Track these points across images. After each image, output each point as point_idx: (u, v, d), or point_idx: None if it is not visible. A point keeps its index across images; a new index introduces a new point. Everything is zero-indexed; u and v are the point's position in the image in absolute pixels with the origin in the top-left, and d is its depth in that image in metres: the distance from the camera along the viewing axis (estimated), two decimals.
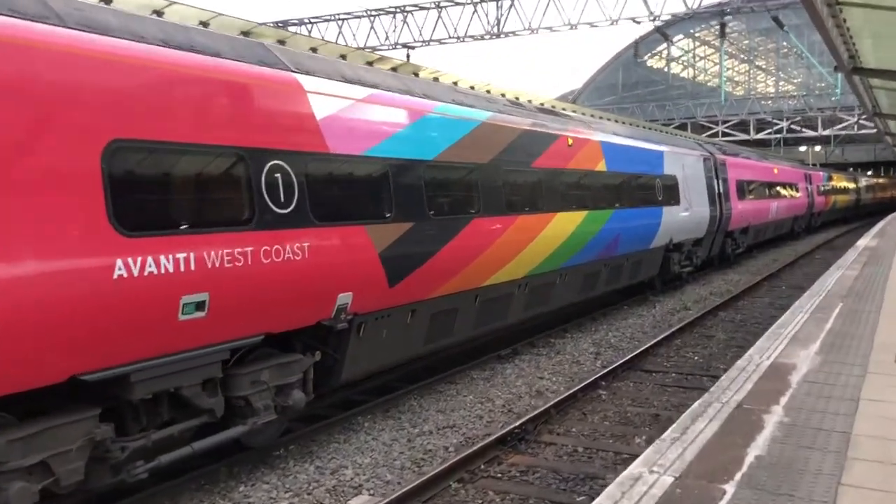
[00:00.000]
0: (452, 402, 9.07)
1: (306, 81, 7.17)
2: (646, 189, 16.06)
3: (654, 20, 22.64)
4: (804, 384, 5.33)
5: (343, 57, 14.09)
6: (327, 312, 7.26)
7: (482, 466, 6.97)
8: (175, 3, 13.42)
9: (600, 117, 22.02)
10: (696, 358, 11.42)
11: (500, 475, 6.81)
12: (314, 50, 13.93)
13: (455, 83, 15.05)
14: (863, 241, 20.74)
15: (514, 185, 10.81)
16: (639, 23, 22.52)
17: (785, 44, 60.01)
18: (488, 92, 13.15)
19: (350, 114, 7.62)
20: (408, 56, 25.03)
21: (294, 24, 26.70)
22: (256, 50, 7.14)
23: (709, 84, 64.03)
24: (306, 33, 26.15)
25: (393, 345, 8.50)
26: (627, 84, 62.92)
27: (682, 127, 52.62)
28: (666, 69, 64.45)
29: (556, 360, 11.31)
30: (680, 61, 66.56)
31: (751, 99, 51.03)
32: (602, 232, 13.60)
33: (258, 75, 6.66)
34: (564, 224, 12.17)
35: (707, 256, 21.76)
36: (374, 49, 25.97)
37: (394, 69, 13.11)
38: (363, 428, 8.20)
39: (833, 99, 46.36)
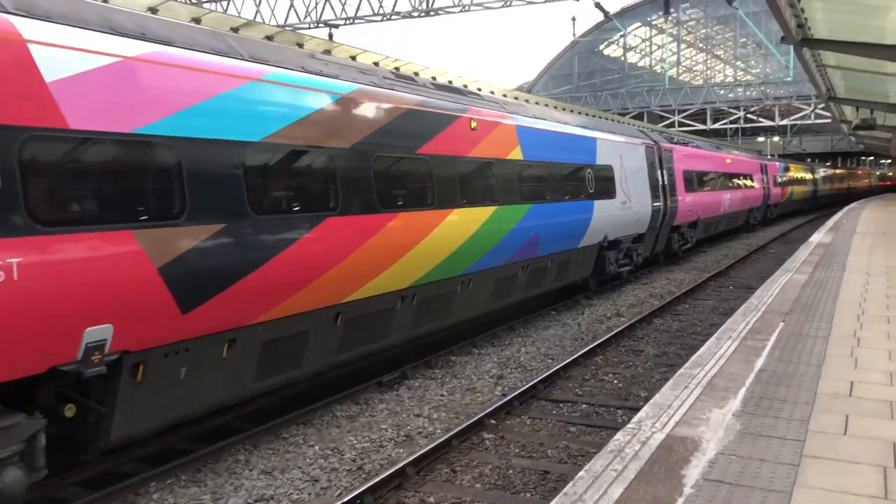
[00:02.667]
0: (289, 456, 7.04)
1: (28, 27, 5.04)
2: (574, 181, 14.18)
3: None
4: (705, 485, 3.42)
5: (234, 30, 11.89)
6: (69, 354, 5.17)
7: None
8: None
9: (535, 102, 20.08)
10: (615, 382, 9.55)
11: None
12: (197, 21, 11.65)
13: (353, 57, 12.96)
14: (816, 237, 19.15)
15: (390, 176, 8.80)
16: (577, 0, 20.62)
17: (743, 35, 58.86)
18: (376, 64, 11.12)
19: (112, 77, 5.52)
20: (330, 35, 22.90)
21: (208, 1, 24.34)
22: None
23: (667, 74, 62.68)
24: (221, 11, 23.80)
25: (201, 387, 6.43)
26: (583, 73, 61.25)
27: (639, 117, 51.16)
28: (622, 58, 62.94)
29: (449, 386, 9.35)
30: (637, 50, 65.12)
31: (706, 88, 49.65)
32: (516, 230, 11.66)
33: None
34: (464, 222, 10.21)
35: (650, 253, 20.01)
36: (294, 28, 23.73)
37: (269, 37, 10.96)
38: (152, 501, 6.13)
39: (787, 80, 45.07)
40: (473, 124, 10.72)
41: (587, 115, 21.07)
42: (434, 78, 16.33)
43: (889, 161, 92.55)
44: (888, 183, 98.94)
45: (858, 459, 3.81)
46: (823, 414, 4.50)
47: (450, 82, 15.16)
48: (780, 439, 4.05)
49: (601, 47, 62.91)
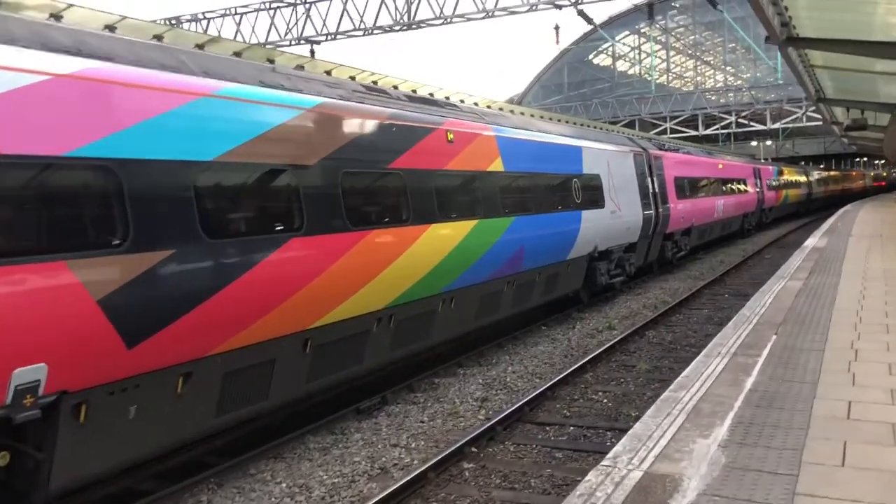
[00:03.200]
0: (254, 496, 6.58)
1: None
2: (560, 191, 13.80)
3: (576, 4, 20.42)
4: None
5: (200, 47, 11.52)
6: None
7: None
8: None
9: (521, 112, 19.73)
10: (604, 401, 9.11)
11: None
12: (159, 38, 11.21)
13: (328, 72, 12.58)
14: (811, 241, 18.77)
15: (360, 193, 8.40)
16: (560, 7, 20.32)
17: (731, 40, 58.75)
18: (352, 79, 10.75)
19: (41, 96, 5.12)
20: (312, 52, 22.57)
21: (187, 21, 24.04)
22: None
23: (658, 81, 62.47)
24: (201, 31, 23.50)
25: (154, 425, 5.99)
26: (573, 83, 61.07)
27: (630, 125, 50.95)
28: (612, 67, 62.81)
29: (431, 411, 8.90)
30: (626, 59, 64.99)
31: (696, 94, 49.44)
32: (500, 244, 11.26)
33: None
34: (443, 238, 9.81)
35: (643, 263, 19.61)
36: (275, 45, 23.42)
37: (237, 53, 10.59)
38: None
39: (773, 81, 44.79)
40: (450, 136, 10.34)
41: (574, 124, 20.72)
42: (414, 91, 15.97)
43: (882, 161, 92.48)
44: (882, 183, 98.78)
45: (859, 497, 3.39)
46: (819, 441, 4.07)
47: (431, 95, 14.79)
48: (771, 474, 3.63)
49: (590, 56, 62.81)
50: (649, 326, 13.50)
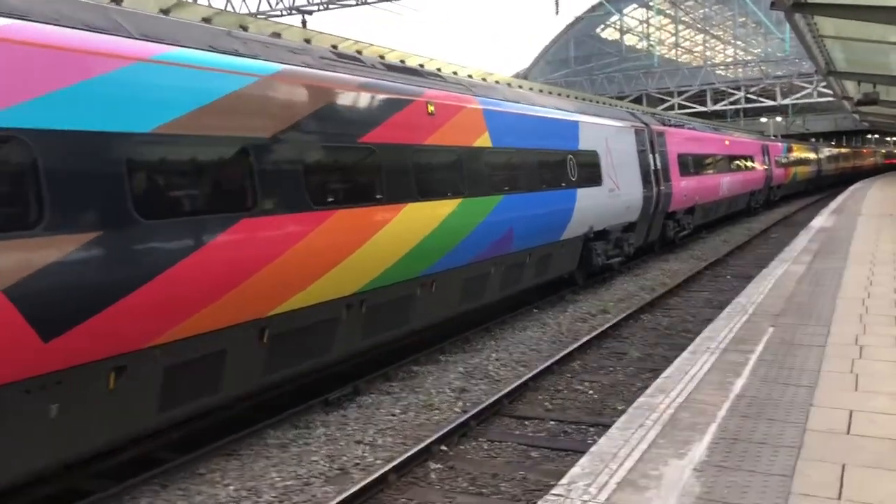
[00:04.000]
0: (199, 499, 6.04)
1: None
2: (553, 168, 13.12)
3: None
4: None
5: (164, 12, 10.87)
6: None
7: None
8: None
9: (519, 86, 18.99)
10: (590, 392, 8.53)
11: None
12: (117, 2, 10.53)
13: (307, 40, 11.89)
14: (818, 220, 18.05)
15: (324, 169, 7.78)
16: None
17: (742, 14, 57.35)
18: (334, 48, 10.02)
19: None
20: (303, 22, 21.83)
21: None
22: None
23: (666, 56, 61.18)
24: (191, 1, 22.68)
25: (81, 425, 5.44)
26: (580, 57, 59.79)
27: (637, 101, 49.93)
28: (620, 41, 61.51)
29: (404, 403, 8.34)
30: (634, 32, 63.64)
31: (703, 68, 48.31)
32: (486, 224, 10.63)
33: None
34: (422, 218, 9.19)
35: (643, 243, 18.93)
36: (266, 16, 22.65)
37: (206, 20, 9.91)
38: None
39: (784, 56, 43.61)
40: (431, 108, 9.67)
41: (573, 98, 19.96)
42: (403, 61, 15.28)
43: (894, 139, 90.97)
44: (894, 161, 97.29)
45: None
46: (812, 465, 3.47)
47: (421, 66, 14.08)
48: None
49: (597, 30, 61.53)
50: (645, 310, 12.90)
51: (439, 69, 16.09)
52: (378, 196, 8.43)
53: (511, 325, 12.12)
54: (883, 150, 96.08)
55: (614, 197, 15.69)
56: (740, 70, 52.98)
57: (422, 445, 6.67)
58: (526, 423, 7.63)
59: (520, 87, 18.89)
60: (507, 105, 11.97)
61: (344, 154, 8.08)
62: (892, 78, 17.84)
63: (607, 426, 6.70)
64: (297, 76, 7.47)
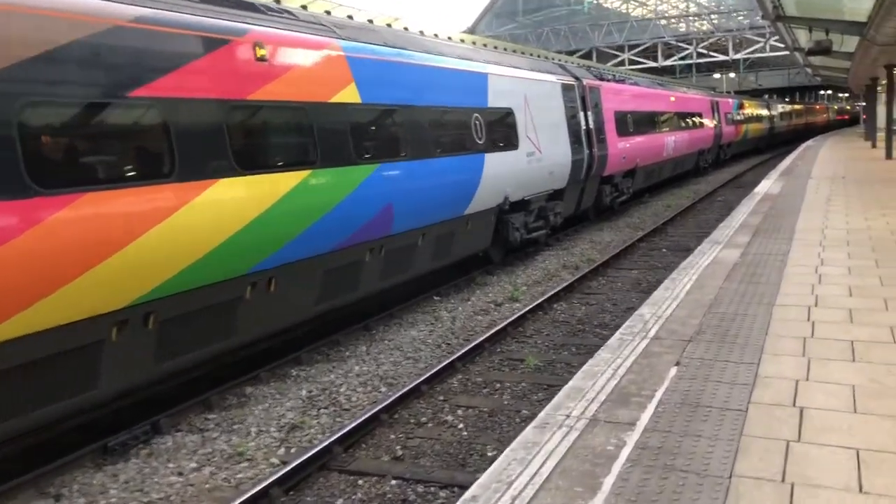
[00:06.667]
0: None
1: None
2: (452, 130, 10.97)
3: None
4: None
5: None
6: None
7: None
8: None
9: (448, 37, 16.59)
10: (460, 426, 6.49)
11: None
12: None
13: None
14: (765, 185, 16.24)
15: (64, 135, 5.51)
16: None
17: None
18: None
19: None
20: None
21: None
22: None
23: (615, 9, 58.88)
24: None
25: None
26: (527, 10, 57.18)
27: (587, 56, 47.75)
28: None
29: (209, 449, 6.22)
30: None
31: (652, 22, 46.24)
32: (351, 201, 8.47)
33: None
34: (244, 198, 6.97)
35: (575, 211, 16.95)
36: None
37: None
38: None
39: (733, 3, 41.74)
40: (261, 52, 7.37)
41: (491, 48, 17.68)
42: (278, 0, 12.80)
43: (846, 95, 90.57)
44: (846, 117, 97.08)
45: None
46: None
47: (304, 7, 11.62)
48: None
49: None
50: (561, 296, 10.93)
51: (328, 11, 13.65)
52: (165, 171, 6.18)
53: (399, 320, 10.05)
54: (835, 106, 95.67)
55: (535, 161, 13.60)
56: (693, 23, 50.98)
57: None
58: (359, 483, 5.57)
59: (435, 35, 16.49)
60: (385, 52, 9.70)
61: (102, 113, 5.77)
62: (846, 25, 15.98)
63: (463, 488, 4.72)
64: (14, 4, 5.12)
